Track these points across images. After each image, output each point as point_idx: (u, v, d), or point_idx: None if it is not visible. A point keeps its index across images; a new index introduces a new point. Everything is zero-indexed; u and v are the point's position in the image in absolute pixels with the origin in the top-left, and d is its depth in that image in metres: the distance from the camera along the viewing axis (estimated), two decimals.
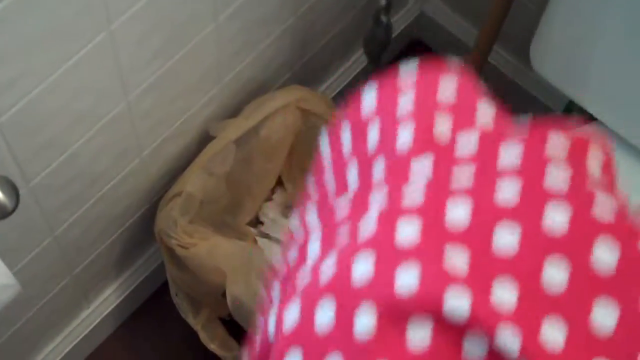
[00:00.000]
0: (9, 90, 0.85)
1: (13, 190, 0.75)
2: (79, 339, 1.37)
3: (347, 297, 0.62)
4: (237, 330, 1.26)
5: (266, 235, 1.29)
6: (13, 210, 0.76)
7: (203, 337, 1.24)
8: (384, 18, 1.24)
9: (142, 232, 1.30)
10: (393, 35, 1.31)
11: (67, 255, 1.18)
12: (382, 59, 1.34)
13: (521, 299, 0.61)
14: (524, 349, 0.60)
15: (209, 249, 1.15)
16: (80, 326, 1.36)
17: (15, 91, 0.86)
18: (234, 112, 1.25)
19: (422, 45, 1.73)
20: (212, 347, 1.25)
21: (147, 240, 1.34)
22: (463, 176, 0.65)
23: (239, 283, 1.14)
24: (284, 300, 0.67)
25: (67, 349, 1.36)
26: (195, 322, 1.24)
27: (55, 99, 0.92)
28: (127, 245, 1.32)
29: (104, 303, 1.38)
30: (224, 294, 1.18)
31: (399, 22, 1.63)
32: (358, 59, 1.57)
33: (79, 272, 1.25)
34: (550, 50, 1.15)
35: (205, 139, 1.24)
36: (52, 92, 0.91)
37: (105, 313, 1.39)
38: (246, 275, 1.15)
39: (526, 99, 1.62)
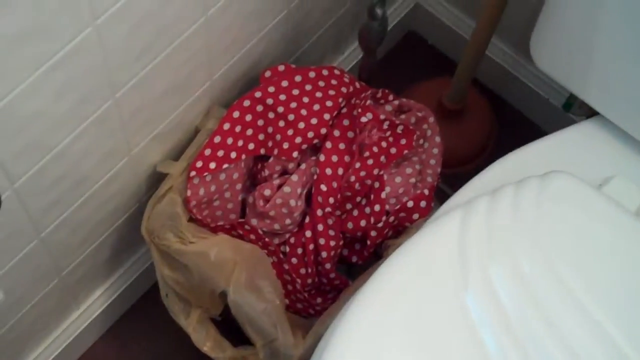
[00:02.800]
0: None
1: None
2: (67, 342, 1.34)
3: None
4: (228, 330, 1.24)
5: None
6: None
7: (195, 338, 1.22)
8: (379, 11, 1.21)
9: (131, 232, 1.27)
10: (388, 28, 1.27)
11: (54, 257, 1.15)
12: (377, 52, 1.31)
13: None
14: None
15: (212, 246, 1.13)
16: (69, 329, 1.34)
17: None
18: (227, 107, 1.22)
19: (417, 37, 1.70)
20: (205, 349, 1.22)
21: (137, 241, 1.31)
22: None
23: (243, 280, 1.13)
24: None
25: (56, 352, 1.33)
26: (187, 324, 1.21)
27: (38, 99, 0.89)
28: (116, 247, 1.29)
29: (93, 305, 1.35)
30: (220, 294, 1.16)
31: (394, 14, 1.60)
32: (353, 52, 1.54)
33: (67, 275, 1.22)
34: (551, 44, 1.13)
35: (195, 135, 1.21)
36: (35, 92, 0.87)
37: (95, 315, 1.36)
38: (250, 273, 1.13)
39: (525, 93, 1.59)
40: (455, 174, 1.47)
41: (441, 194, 1.28)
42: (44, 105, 0.90)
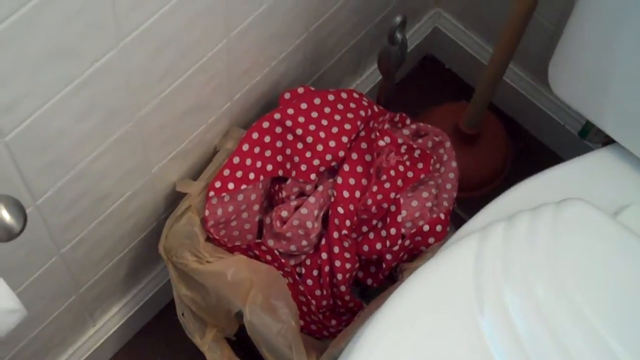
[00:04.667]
0: (14, 108, 0.83)
1: (21, 212, 0.73)
2: (83, 358, 1.35)
3: None
4: (242, 350, 1.25)
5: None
6: (20, 232, 0.74)
7: (210, 358, 1.22)
8: (399, 35, 1.22)
9: (149, 250, 1.28)
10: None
11: (73, 273, 1.16)
12: (395, 75, 1.32)
13: None
14: None
15: (229, 266, 1.14)
16: (85, 345, 1.34)
17: (21, 110, 0.84)
18: (246, 128, 1.23)
19: (435, 61, 1.71)
20: None
21: (154, 259, 1.32)
22: None
23: (259, 301, 1.13)
24: None
25: None
26: (202, 343, 1.22)
27: (62, 118, 0.90)
28: (133, 264, 1.30)
29: (110, 322, 1.36)
30: (236, 314, 1.17)
31: (413, 37, 1.62)
32: (371, 75, 1.55)
33: (85, 291, 1.23)
34: (568, 72, 1.14)
35: (214, 155, 1.22)
36: (60, 110, 0.89)
37: (111, 332, 1.37)
38: (266, 294, 1.14)
39: (541, 118, 1.59)
40: (471, 198, 1.47)
41: (456, 219, 1.29)
42: (69, 123, 0.92)
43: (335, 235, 1.18)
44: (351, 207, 1.18)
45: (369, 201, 1.19)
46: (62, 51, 0.83)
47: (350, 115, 1.22)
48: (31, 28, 0.78)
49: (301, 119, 1.20)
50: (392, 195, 1.20)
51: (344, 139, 1.20)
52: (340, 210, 1.18)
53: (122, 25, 0.88)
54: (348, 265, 1.19)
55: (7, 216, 0.72)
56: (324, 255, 1.19)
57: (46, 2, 0.76)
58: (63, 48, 0.83)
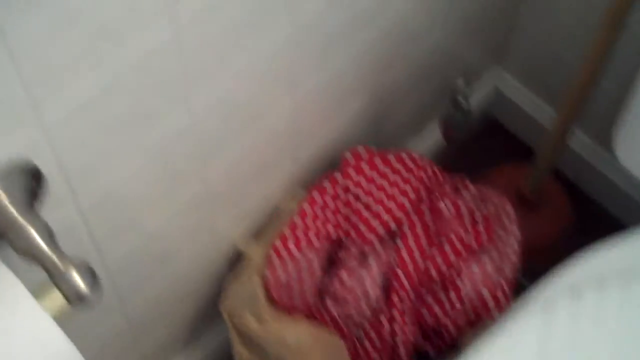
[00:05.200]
0: (90, 173, 0.85)
1: (95, 281, 0.73)
2: None
3: None
4: None
5: None
6: (94, 301, 0.74)
7: None
8: (461, 100, 1.22)
9: (210, 309, 1.29)
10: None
11: (134, 331, 1.17)
12: (457, 139, 1.32)
13: None
14: None
15: (290, 329, 1.14)
16: None
17: (96, 175, 0.86)
18: (307, 187, 1.24)
19: (496, 123, 1.71)
20: None
21: (214, 317, 1.32)
22: None
23: None
24: None
25: None
26: None
27: (136, 183, 0.92)
28: (194, 322, 1.30)
29: None
30: None
31: (473, 99, 1.61)
32: (432, 134, 1.55)
33: (145, 348, 1.23)
34: (634, 140, 1.12)
35: (276, 215, 1.23)
36: (134, 176, 0.90)
37: None
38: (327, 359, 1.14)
39: (604, 184, 1.58)
40: (532, 265, 1.46)
41: (518, 286, 1.27)
42: (141, 188, 0.93)
43: (397, 301, 1.18)
44: (412, 273, 1.18)
45: (430, 267, 1.18)
46: (139, 114, 0.84)
47: (411, 179, 1.22)
48: (112, 95, 0.79)
49: (363, 181, 1.20)
50: (454, 261, 1.19)
51: (406, 203, 1.20)
52: (402, 276, 1.17)
53: (192, 93, 0.89)
54: (409, 334, 1.18)
55: (81, 284, 0.72)
56: (385, 322, 1.19)
57: (127, 70, 0.78)
58: (142, 113, 0.84)
